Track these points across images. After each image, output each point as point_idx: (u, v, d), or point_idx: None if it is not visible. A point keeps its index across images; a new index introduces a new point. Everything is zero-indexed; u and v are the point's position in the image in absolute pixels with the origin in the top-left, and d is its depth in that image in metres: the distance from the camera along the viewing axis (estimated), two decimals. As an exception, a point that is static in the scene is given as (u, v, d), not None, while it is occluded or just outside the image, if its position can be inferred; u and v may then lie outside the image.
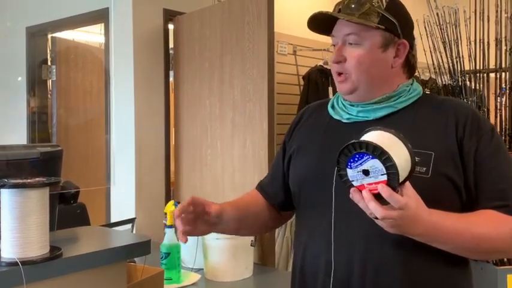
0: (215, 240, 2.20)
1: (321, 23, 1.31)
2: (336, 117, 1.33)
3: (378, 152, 0.98)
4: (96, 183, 3.55)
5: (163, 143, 3.18)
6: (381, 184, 0.99)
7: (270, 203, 1.47)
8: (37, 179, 1.23)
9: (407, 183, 1.03)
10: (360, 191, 1.02)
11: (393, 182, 0.98)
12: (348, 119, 1.30)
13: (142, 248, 1.45)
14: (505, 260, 2.92)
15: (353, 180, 1.03)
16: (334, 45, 1.30)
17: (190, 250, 2.32)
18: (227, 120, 2.81)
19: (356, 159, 1.01)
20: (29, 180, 1.20)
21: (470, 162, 1.18)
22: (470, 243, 1.12)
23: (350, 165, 1.02)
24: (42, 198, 1.21)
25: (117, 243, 1.45)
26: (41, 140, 3.89)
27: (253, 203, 1.46)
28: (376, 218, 1.03)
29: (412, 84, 1.31)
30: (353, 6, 1.24)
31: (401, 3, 1.30)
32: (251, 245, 2.28)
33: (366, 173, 1.01)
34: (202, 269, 2.28)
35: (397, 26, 1.25)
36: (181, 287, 2.12)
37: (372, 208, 1.00)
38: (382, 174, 0.99)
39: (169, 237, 2.17)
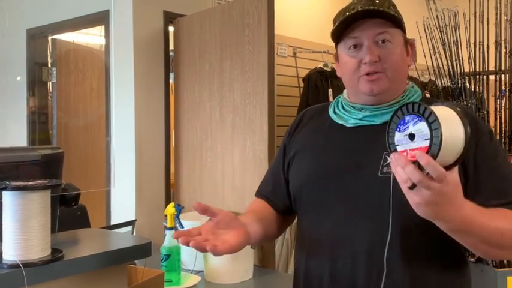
0: (215, 242, 2.20)
1: (344, 24, 1.25)
2: (340, 121, 1.32)
3: (427, 114, 0.93)
4: (96, 185, 3.56)
5: (163, 145, 3.18)
6: (419, 151, 0.93)
7: (277, 211, 1.42)
8: (39, 181, 1.23)
9: (455, 168, 0.96)
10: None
11: (434, 149, 0.91)
12: (353, 124, 1.29)
13: (143, 250, 1.45)
14: (505, 262, 2.92)
15: (398, 145, 0.98)
16: (354, 46, 1.25)
17: (190, 252, 2.32)
18: (227, 123, 2.81)
19: (407, 121, 0.96)
20: (30, 183, 1.20)
21: (471, 164, 1.18)
22: (494, 237, 1.09)
23: (399, 128, 0.98)
24: (43, 200, 1.21)
25: (118, 246, 1.46)
26: (41, 142, 3.89)
27: (266, 212, 1.40)
28: (412, 188, 0.94)
29: (413, 87, 1.32)
30: (377, 1, 1.22)
31: None
32: (251, 248, 2.28)
33: (411, 137, 0.95)
34: (203, 271, 2.28)
35: (403, 23, 1.27)
36: (182, 289, 2.13)
37: (408, 171, 0.92)
38: (425, 139, 0.93)
39: (169, 239, 2.17)
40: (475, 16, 3.52)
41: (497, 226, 1.09)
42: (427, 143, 0.92)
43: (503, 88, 3.52)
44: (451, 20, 3.52)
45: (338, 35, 1.27)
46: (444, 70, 3.59)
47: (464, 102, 3.44)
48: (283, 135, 1.48)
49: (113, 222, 3.09)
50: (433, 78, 3.85)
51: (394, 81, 1.25)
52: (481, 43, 3.52)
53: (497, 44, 3.50)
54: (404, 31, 1.27)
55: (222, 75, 2.84)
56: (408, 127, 0.95)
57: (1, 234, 1.21)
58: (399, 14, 1.25)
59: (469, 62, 3.55)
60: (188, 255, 2.33)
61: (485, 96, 3.56)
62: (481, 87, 3.54)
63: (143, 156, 3.07)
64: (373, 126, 1.26)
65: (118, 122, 3.16)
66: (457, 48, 3.52)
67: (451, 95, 3.55)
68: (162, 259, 2.14)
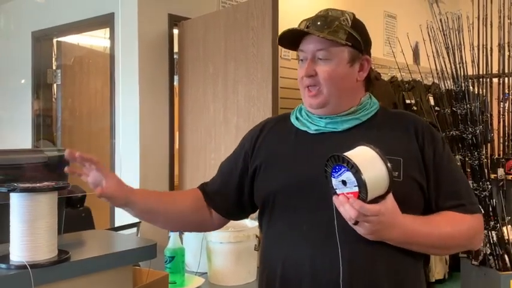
0: (219, 244, 2.21)
1: (290, 39, 1.37)
2: (303, 128, 1.38)
3: (350, 165, 1.10)
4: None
5: (167, 146, 3.19)
6: (351, 198, 1.11)
7: (213, 209, 1.48)
8: (46, 183, 1.24)
9: (390, 194, 1.14)
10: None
11: (363, 193, 1.10)
12: (316, 130, 1.35)
13: (148, 252, 1.47)
14: (508, 265, 2.92)
15: (336, 189, 1.14)
16: (301, 60, 1.36)
17: (194, 254, 2.33)
18: (231, 125, 2.82)
19: (337, 170, 1.13)
20: (38, 185, 1.21)
21: (431, 167, 1.30)
22: (438, 243, 1.26)
23: (333, 175, 1.14)
24: (51, 202, 1.22)
25: (124, 247, 1.47)
26: (45, 145, 3.91)
27: (185, 201, 1.50)
28: (355, 224, 1.13)
29: (370, 98, 1.40)
30: (319, 23, 1.32)
31: (362, 22, 1.38)
32: (255, 249, 2.29)
33: (344, 183, 1.12)
34: (206, 272, 2.29)
35: (361, 43, 1.34)
36: (186, 291, 2.13)
37: (347, 209, 1.11)
38: (354, 186, 1.10)
39: (173, 241, 2.18)
40: (479, 19, 3.52)
41: (441, 233, 1.25)
42: (356, 189, 1.10)
43: (506, 91, 3.53)
44: (455, 23, 3.52)
45: (289, 45, 1.39)
46: (447, 73, 3.58)
47: (468, 105, 3.44)
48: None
49: (117, 224, 3.09)
50: (436, 81, 3.85)
51: (334, 95, 1.33)
52: (484, 46, 3.52)
53: (501, 47, 3.51)
54: (355, 47, 1.33)
55: (226, 77, 2.85)
56: (340, 174, 1.12)
57: (8, 236, 1.22)
58: (352, 34, 1.32)
59: (472, 65, 3.55)
60: (192, 257, 2.34)
61: (489, 99, 3.56)
62: (484, 90, 3.54)
63: (147, 158, 3.09)
64: (335, 133, 1.33)
65: (122, 124, 3.17)
66: (461, 51, 3.52)
67: (454, 98, 3.55)
68: (166, 261, 2.15)
